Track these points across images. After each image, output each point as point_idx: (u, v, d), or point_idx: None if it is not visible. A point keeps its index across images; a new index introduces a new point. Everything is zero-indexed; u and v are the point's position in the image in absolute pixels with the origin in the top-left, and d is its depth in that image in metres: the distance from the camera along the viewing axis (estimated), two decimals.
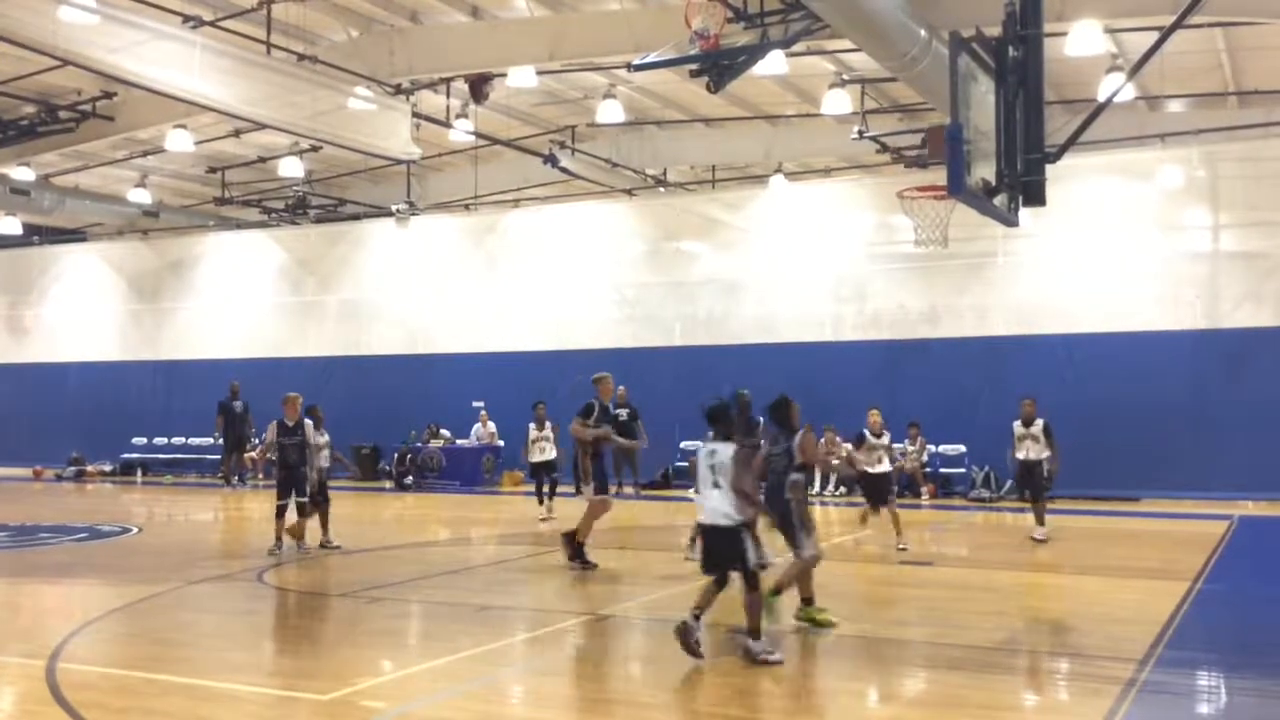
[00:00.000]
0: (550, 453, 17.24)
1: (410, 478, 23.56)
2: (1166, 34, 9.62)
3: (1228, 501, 18.07)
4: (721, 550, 7.74)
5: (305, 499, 13.31)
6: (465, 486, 22.69)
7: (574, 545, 11.72)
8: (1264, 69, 18.98)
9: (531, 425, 17.47)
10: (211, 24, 15.97)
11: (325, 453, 13.74)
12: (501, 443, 23.78)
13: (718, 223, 23.62)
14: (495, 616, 9.86)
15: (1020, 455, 13.99)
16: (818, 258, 22.17)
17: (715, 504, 7.71)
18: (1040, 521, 13.93)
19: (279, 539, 13.16)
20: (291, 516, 13.25)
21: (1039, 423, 13.94)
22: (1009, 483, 19.99)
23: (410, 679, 7.67)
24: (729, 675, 7.79)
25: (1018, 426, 14.00)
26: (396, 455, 23.99)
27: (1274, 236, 19.11)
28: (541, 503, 17.00)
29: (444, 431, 23.99)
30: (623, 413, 21.42)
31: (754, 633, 7.72)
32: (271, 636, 9.20)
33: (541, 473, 17.29)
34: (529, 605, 10.56)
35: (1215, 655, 8.16)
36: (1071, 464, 19.61)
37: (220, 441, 24.77)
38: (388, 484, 23.86)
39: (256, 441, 25.67)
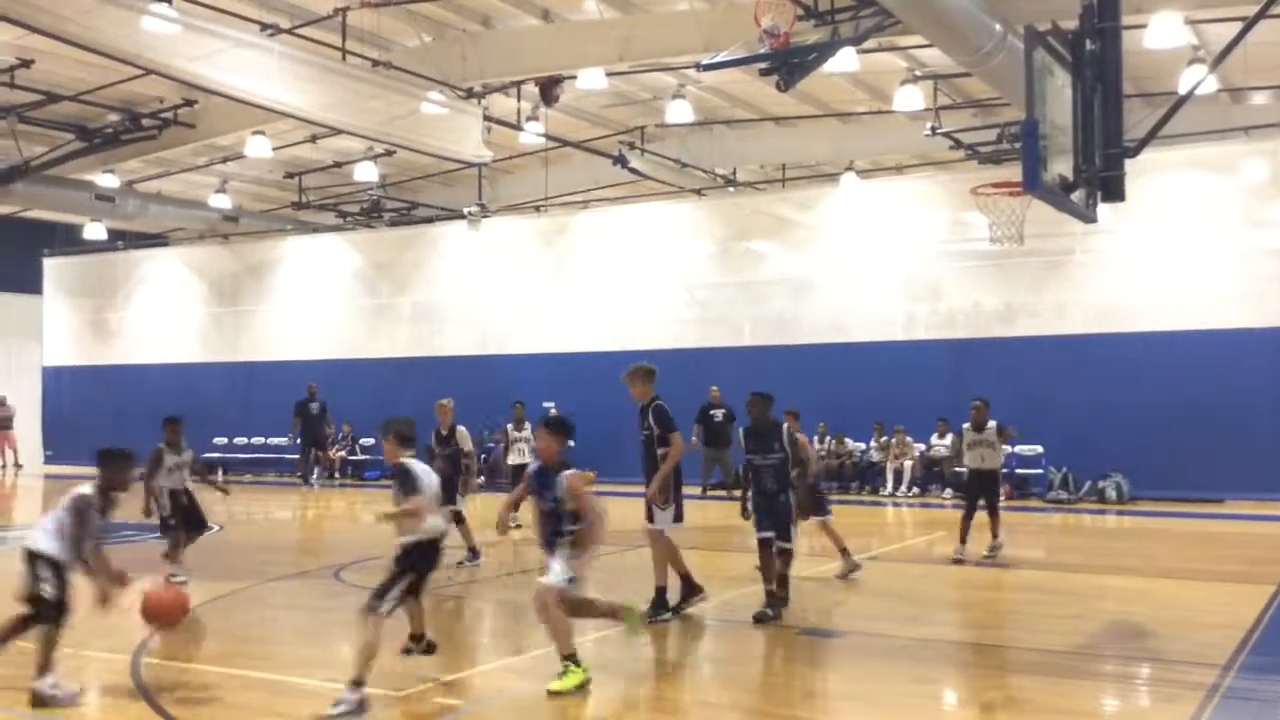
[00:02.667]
0: (529, 455, 16.10)
1: (482, 478, 23.75)
2: (1250, 25, 9.37)
3: None
4: None
5: (456, 508, 12.39)
6: None
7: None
8: None
9: (510, 426, 16.94)
10: (288, 32, 16.26)
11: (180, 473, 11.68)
12: (572, 443, 23.84)
13: (788, 222, 23.49)
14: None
15: (973, 464, 12.52)
16: (890, 256, 21.95)
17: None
18: (996, 532, 12.54)
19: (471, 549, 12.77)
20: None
21: (991, 425, 12.39)
22: (1087, 484, 19.66)
23: (484, 676, 7.76)
24: (799, 677, 7.76)
25: (968, 432, 12.55)
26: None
27: None
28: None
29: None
30: (718, 413, 21.39)
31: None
32: (348, 633, 9.32)
33: (519, 475, 16.65)
34: None
35: None
36: (1153, 465, 19.33)
37: (297, 442, 25.24)
38: (477, 481, 24.09)
39: (336, 442, 26.11)
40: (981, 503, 12.47)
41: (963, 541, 12.33)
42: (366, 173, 24.50)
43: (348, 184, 26.70)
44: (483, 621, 10.20)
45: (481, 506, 13.16)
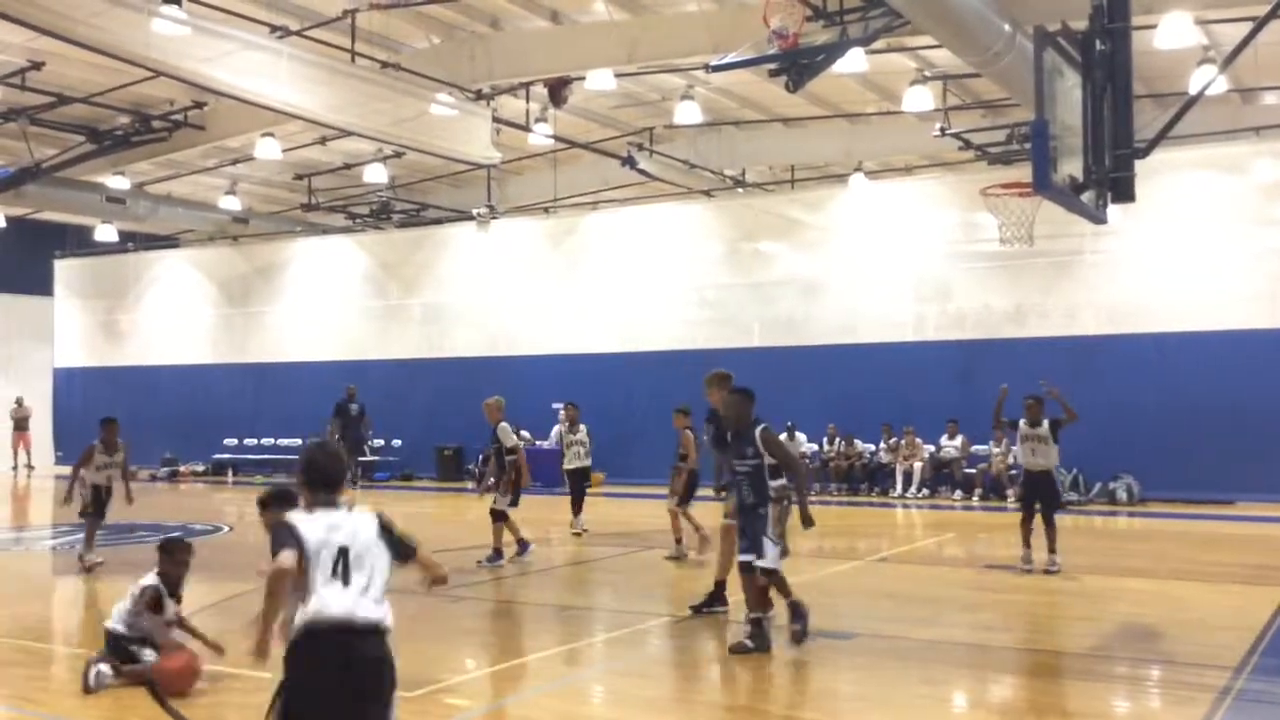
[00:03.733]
0: (584, 458, 15.68)
1: (492, 478, 23.76)
2: (1260, 25, 9.33)
3: None
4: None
5: (496, 508, 12.64)
6: (546, 487, 22.82)
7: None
8: None
9: (563, 428, 16.17)
10: (298, 34, 16.28)
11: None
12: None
13: (797, 223, 23.48)
14: (577, 616, 9.93)
15: (1026, 461, 12.05)
16: (899, 257, 21.92)
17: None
18: (1053, 548, 11.68)
19: (520, 541, 12.81)
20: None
21: (1045, 424, 11.89)
22: (1098, 485, 19.59)
23: (493, 677, 7.76)
24: (807, 679, 7.75)
25: (1022, 426, 12.00)
26: (481, 456, 24.24)
27: None
28: (578, 513, 15.46)
29: (524, 433, 24.11)
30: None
31: None
32: None
33: (576, 481, 15.72)
34: (610, 605, 10.61)
35: None
36: (1164, 466, 19.26)
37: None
38: (470, 484, 24.14)
39: (381, 442, 26.04)
40: (1038, 507, 11.82)
41: (1026, 545, 11.71)
42: (376, 174, 24.54)
43: (357, 185, 26.74)
44: (490, 622, 10.20)
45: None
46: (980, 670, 7.93)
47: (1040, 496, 11.85)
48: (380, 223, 28.61)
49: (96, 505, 12.55)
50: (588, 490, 15.89)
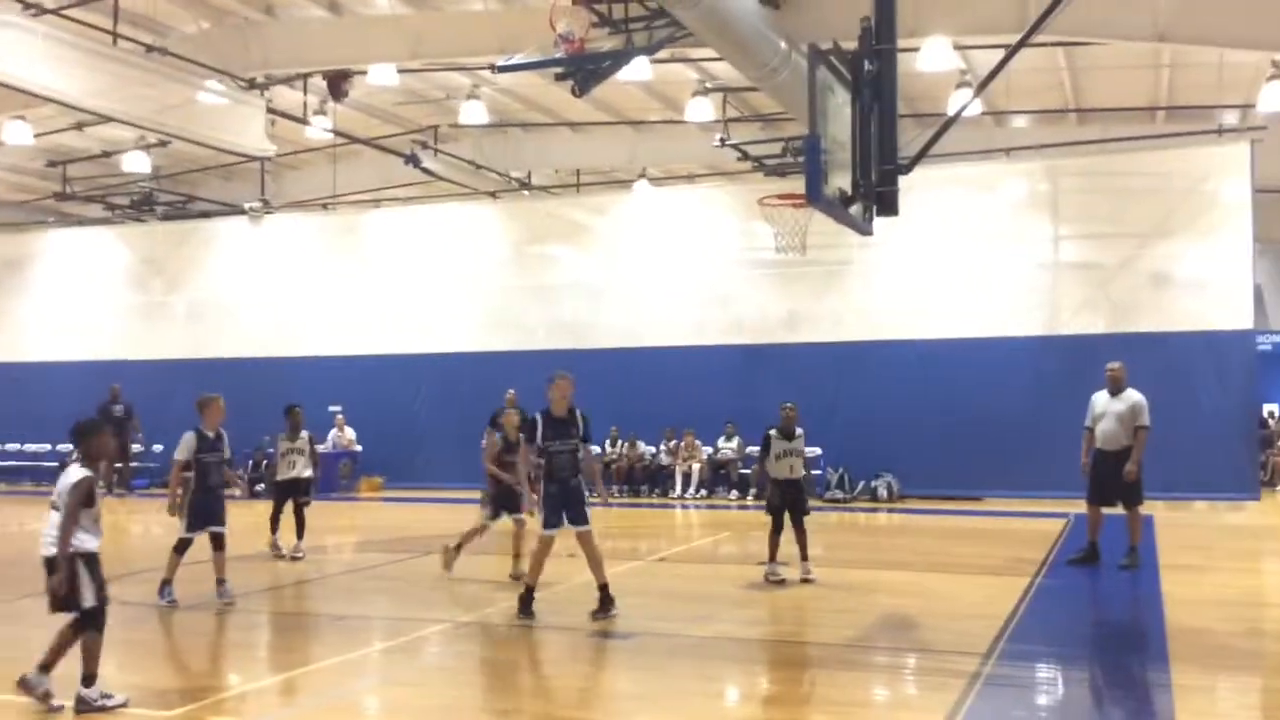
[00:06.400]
0: (303, 469, 13.39)
1: (262, 484, 22.85)
2: (1012, 52, 10.00)
3: (1065, 500, 18.88)
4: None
5: (223, 530, 10.38)
6: (321, 493, 22.12)
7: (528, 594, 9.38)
8: (1101, 88, 19.97)
9: (281, 435, 13.53)
10: (54, 12, 15.28)
11: None
12: (359, 448, 23.36)
13: (582, 227, 23.65)
14: (351, 626, 9.65)
15: (780, 474, 11.22)
16: (682, 263, 22.39)
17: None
18: (805, 554, 11.21)
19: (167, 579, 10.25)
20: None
21: (800, 433, 11.37)
22: (861, 483, 20.56)
23: (262, 693, 7.46)
24: (587, 679, 7.81)
25: (776, 440, 11.26)
26: (251, 462, 23.27)
27: (1109, 248, 20.06)
28: (275, 530, 13.35)
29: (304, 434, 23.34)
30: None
31: (90, 679, 6.67)
32: (112, 650, 8.79)
33: (287, 494, 13.36)
34: (387, 614, 10.36)
35: (1054, 648, 8.52)
36: (921, 465, 20.42)
37: None
38: (236, 491, 23.12)
39: (141, 448, 24.48)
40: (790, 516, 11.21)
41: (773, 558, 11.19)
42: (137, 163, 23.23)
43: (117, 175, 25.26)
44: (259, 635, 9.81)
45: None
46: (752, 664, 8.18)
47: (793, 505, 11.30)
48: (142, 214, 27.12)
49: None
50: (301, 505, 13.39)
